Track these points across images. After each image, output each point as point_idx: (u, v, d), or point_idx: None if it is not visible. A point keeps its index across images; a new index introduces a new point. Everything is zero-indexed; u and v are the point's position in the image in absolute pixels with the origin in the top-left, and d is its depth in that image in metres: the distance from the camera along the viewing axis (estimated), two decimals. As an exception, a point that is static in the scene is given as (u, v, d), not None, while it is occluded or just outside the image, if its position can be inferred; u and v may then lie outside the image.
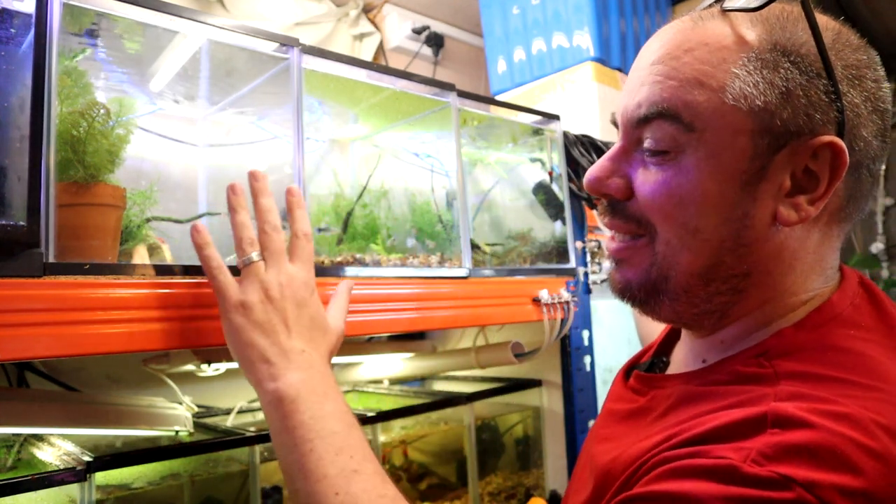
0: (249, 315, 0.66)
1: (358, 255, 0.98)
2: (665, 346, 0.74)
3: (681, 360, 0.68)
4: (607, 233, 1.21)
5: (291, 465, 0.62)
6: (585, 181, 0.62)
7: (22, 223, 0.63)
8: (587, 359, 1.32)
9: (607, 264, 1.26)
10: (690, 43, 0.54)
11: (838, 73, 0.52)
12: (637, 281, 0.60)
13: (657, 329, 0.99)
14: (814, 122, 0.52)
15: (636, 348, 1.41)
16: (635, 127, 0.58)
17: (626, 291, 0.62)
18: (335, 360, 1.46)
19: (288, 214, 0.73)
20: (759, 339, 0.57)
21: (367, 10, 1.99)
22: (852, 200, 0.57)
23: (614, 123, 0.62)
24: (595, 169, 0.61)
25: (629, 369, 0.73)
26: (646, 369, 0.72)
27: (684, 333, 0.68)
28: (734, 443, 0.46)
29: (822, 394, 0.47)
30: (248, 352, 0.66)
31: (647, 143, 0.57)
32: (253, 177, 0.71)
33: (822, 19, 0.54)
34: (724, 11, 0.55)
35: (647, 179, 0.57)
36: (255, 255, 0.68)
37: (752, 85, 0.52)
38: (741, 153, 0.53)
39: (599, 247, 1.33)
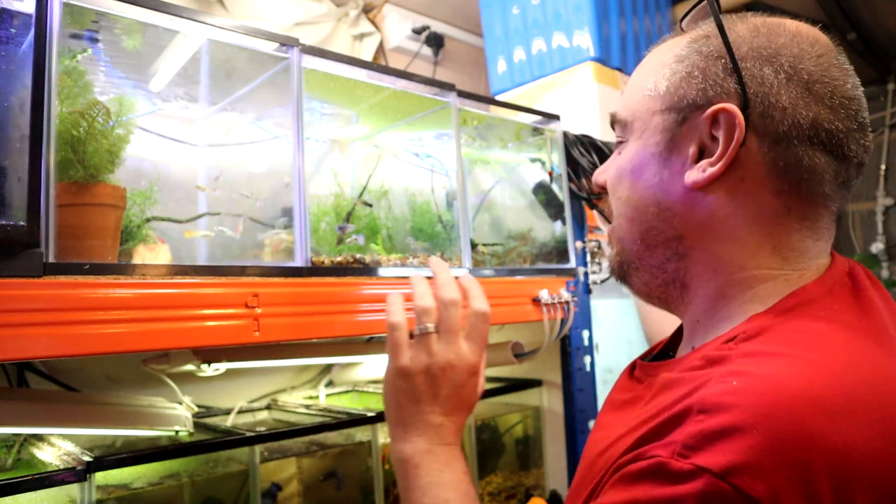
0: (408, 382, 0.73)
1: (358, 255, 0.98)
2: (673, 342, 0.76)
3: (680, 353, 0.71)
4: (605, 233, 1.22)
5: None
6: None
7: (22, 223, 0.63)
8: (587, 359, 1.32)
9: (607, 264, 1.27)
10: (648, 59, 0.67)
11: (740, 53, 0.58)
12: (615, 260, 0.70)
13: (664, 329, 0.99)
14: (709, 95, 0.59)
15: (636, 348, 1.41)
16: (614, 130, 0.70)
17: (612, 269, 0.71)
18: (335, 360, 1.47)
19: (469, 296, 0.77)
20: (729, 321, 0.60)
21: (367, 10, 1.99)
22: (785, 172, 0.57)
23: None
24: (600, 167, 0.73)
25: (634, 364, 0.75)
26: (651, 360, 0.73)
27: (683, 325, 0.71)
28: (666, 437, 0.48)
29: (760, 370, 0.48)
30: (394, 411, 0.75)
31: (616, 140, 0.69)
32: (431, 262, 0.80)
33: (756, 19, 0.61)
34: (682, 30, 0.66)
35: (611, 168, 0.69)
36: (430, 327, 0.74)
37: (662, 77, 0.62)
38: (655, 129, 0.63)
39: (599, 247, 1.33)
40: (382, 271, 0.98)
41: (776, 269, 0.59)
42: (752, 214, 0.59)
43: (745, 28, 0.60)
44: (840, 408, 0.46)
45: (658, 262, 0.64)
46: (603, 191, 0.72)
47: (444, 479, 0.69)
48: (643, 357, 0.77)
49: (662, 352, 0.76)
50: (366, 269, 0.96)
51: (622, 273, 0.69)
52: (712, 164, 0.59)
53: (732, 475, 0.43)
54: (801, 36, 0.59)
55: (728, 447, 0.44)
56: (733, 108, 0.57)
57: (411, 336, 0.74)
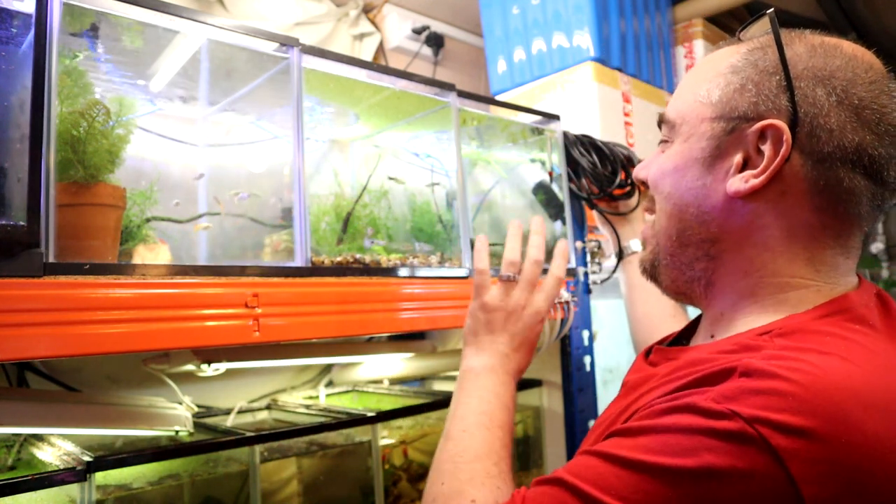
0: (488, 314, 0.86)
1: (358, 255, 0.98)
2: (686, 332, 0.80)
3: (695, 341, 0.75)
4: (608, 232, 1.22)
5: (451, 410, 0.79)
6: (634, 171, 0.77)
7: (22, 223, 0.63)
8: (587, 359, 1.32)
9: (607, 264, 1.27)
10: (703, 63, 0.69)
11: (796, 72, 0.60)
12: (648, 257, 0.73)
13: (653, 336, 1.01)
14: (760, 110, 0.61)
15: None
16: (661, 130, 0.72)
17: (643, 267, 0.74)
18: (335, 360, 1.47)
19: (552, 259, 0.91)
20: (763, 319, 0.62)
21: (367, 10, 1.99)
22: (825, 191, 0.60)
23: None
24: (642, 162, 0.75)
25: (649, 349, 0.78)
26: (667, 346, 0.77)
27: (701, 318, 0.75)
28: (704, 388, 0.52)
29: (796, 358, 0.51)
30: (470, 337, 0.86)
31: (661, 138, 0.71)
32: (534, 220, 0.91)
33: (815, 38, 0.62)
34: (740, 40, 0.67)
35: (655, 164, 0.71)
36: (511, 275, 0.86)
37: (716, 85, 0.64)
38: (703, 135, 0.65)
39: (599, 247, 1.33)
40: (382, 271, 0.98)
41: (809, 280, 0.62)
42: (788, 227, 0.62)
43: (803, 47, 0.61)
44: (875, 402, 0.49)
45: (687, 260, 0.68)
46: (644, 185, 0.75)
47: (496, 390, 0.80)
48: (660, 343, 0.80)
49: (676, 340, 0.80)
50: (366, 269, 0.96)
51: (653, 270, 0.72)
52: (755, 176, 0.61)
53: (761, 424, 0.47)
54: (856, 60, 0.61)
55: (762, 402, 0.48)
56: (782, 125, 0.59)
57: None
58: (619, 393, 0.75)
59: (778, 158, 0.59)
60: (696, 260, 0.67)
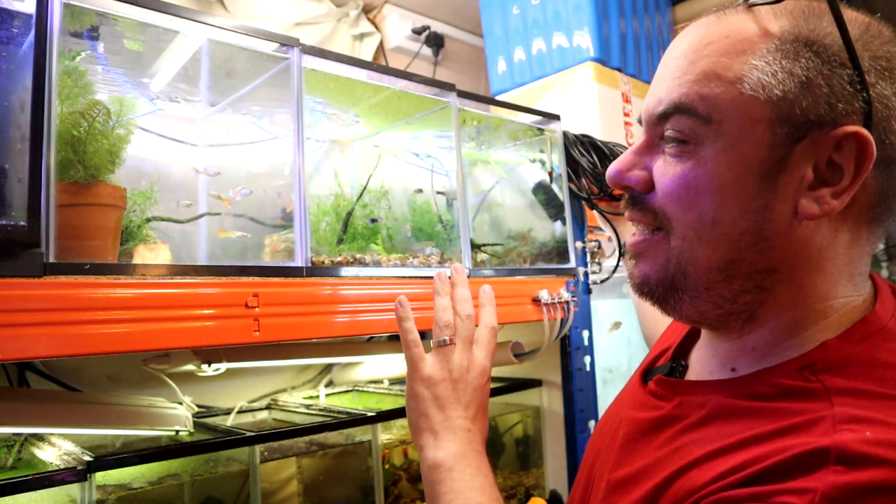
0: (432, 389, 0.75)
1: (358, 255, 0.98)
2: (682, 349, 0.71)
3: (703, 365, 0.65)
4: (608, 232, 1.20)
5: None
6: (607, 174, 0.61)
7: (22, 223, 0.63)
8: (587, 359, 1.32)
9: (607, 264, 1.27)
10: (712, 37, 0.54)
11: (865, 64, 0.50)
12: (655, 277, 0.59)
13: (659, 325, 0.97)
14: (836, 112, 0.50)
15: (636, 348, 1.41)
16: (656, 123, 0.57)
17: (644, 287, 0.60)
18: (335, 360, 1.47)
19: (480, 308, 0.83)
20: (797, 349, 0.55)
21: (367, 10, 1.99)
22: (883, 199, 0.54)
23: (640, 121, 0.61)
24: (617, 162, 0.60)
25: (645, 373, 0.72)
26: (666, 374, 0.69)
27: (706, 336, 0.65)
28: (796, 480, 0.44)
29: (882, 416, 0.45)
30: (421, 420, 0.75)
31: (667, 134, 0.56)
32: (455, 269, 0.84)
33: (851, 13, 0.53)
34: (749, 6, 0.55)
35: (666, 171, 0.56)
36: (447, 339, 0.78)
37: (770, 75, 0.51)
38: (760, 142, 0.52)
39: (599, 247, 1.33)
40: (382, 271, 0.98)
41: (848, 297, 0.55)
42: (844, 243, 0.54)
43: (856, 28, 0.52)
44: None
45: (731, 293, 0.56)
46: (624, 190, 0.62)
47: (477, 483, 0.69)
48: (649, 366, 0.73)
49: (673, 360, 0.71)
50: (365, 269, 0.96)
51: (663, 294, 0.59)
52: (835, 196, 0.51)
53: None
54: None
55: None
56: (867, 134, 0.49)
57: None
58: (625, 427, 0.65)
59: (861, 174, 0.50)
60: (742, 293, 0.55)
